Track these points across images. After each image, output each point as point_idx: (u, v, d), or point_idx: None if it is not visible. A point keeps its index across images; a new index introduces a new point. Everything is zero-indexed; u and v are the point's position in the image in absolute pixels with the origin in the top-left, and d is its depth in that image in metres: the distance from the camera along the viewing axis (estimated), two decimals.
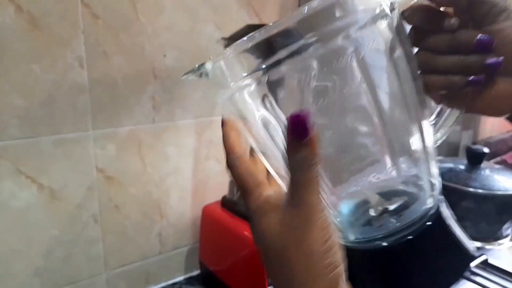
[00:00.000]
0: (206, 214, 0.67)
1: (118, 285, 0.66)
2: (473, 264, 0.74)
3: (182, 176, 0.69)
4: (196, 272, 0.74)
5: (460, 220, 0.91)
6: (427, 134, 0.31)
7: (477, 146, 0.92)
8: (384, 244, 0.29)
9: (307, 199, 0.22)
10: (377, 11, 0.27)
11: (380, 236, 0.29)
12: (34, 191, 0.55)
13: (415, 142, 0.31)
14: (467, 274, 0.71)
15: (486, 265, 0.75)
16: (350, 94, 0.29)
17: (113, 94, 0.59)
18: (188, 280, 0.72)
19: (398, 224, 0.30)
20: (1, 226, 0.53)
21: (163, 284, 0.71)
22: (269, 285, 0.56)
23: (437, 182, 0.32)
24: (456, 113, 0.32)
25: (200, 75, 0.30)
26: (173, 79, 0.65)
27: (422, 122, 0.30)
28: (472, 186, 0.82)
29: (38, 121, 0.54)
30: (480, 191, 0.81)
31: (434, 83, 0.29)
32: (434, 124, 0.34)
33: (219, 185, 0.74)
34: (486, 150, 0.89)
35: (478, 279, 0.70)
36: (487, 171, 0.87)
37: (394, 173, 0.31)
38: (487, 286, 0.67)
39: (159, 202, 0.67)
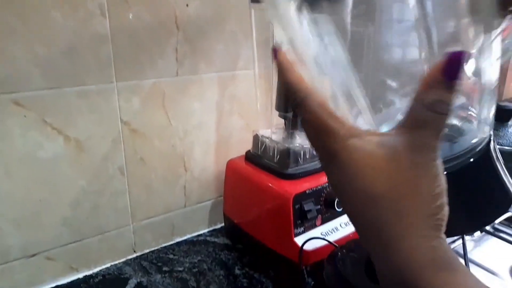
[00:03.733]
0: (230, 167, 0.67)
1: (144, 237, 0.67)
2: (497, 220, 0.73)
3: (206, 130, 0.69)
4: (219, 225, 0.75)
5: None
6: (484, 58, 0.28)
7: (506, 103, 0.90)
8: None
9: (431, 142, 0.22)
10: None
11: None
12: (61, 143, 0.55)
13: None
14: (491, 230, 0.71)
15: (511, 222, 0.75)
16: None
17: (136, 45, 0.57)
18: (212, 233, 0.73)
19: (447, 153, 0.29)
20: (29, 177, 0.54)
21: (188, 236, 0.72)
22: (295, 235, 0.56)
23: (490, 116, 0.30)
24: None
25: None
26: (195, 30, 0.62)
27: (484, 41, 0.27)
28: (499, 143, 0.80)
29: (60, 71, 0.52)
30: (507, 148, 0.79)
31: None
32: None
33: (242, 141, 0.73)
34: None
35: (502, 235, 0.70)
36: None
37: None
38: None
39: (183, 155, 0.67)
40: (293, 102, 0.25)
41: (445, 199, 0.23)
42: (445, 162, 0.27)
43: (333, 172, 0.24)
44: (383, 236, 0.22)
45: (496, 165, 0.31)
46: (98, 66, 0.55)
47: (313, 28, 0.26)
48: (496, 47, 0.28)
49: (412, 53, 0.31)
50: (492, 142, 0.31)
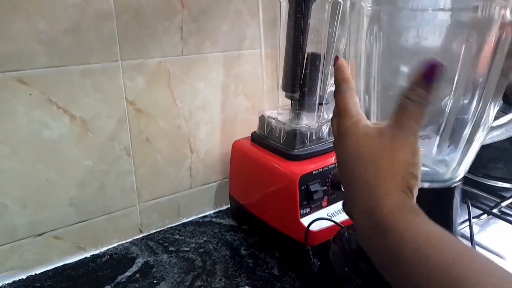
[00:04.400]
0: (236, 148, 0.67)
1: (151, 217, 0.67)
2: (504, 203, 0.73)
3: (211, 111, 0.68)
4: (225, 207, 0.75)
5: (492, 161, 0.88)
6: (485, 129, 0.36)
7: None
8: None
9: (409, 123, 0.29)
10: None
11: None
12: (66, 122, 0.54)
13: (468, 132, 0.36)
14: (498, 213, 0.71)
15: None
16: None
17: (140, 23, 0.56)
18: (218, 214, 0.73)
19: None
20: (35, 156, 0.54)
21: (194, 217, 0.72)
22: (301, 216, 0.56)
23: (463, 171, 0.37)
24: None
25: None
26: (201, 8, 0.61)
27: (488, 117, 0.35)
28: None
29: (65, 49, 0.52)
30: None
31: None
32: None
33: (247, 121, 0.72)
34: None
35: (509, 218, 0.70)
36: None
37: (435, 152, 0.38)
38: None
39: (189, 136, 0.67)
40: (337, 88, 0.34)
41: (418, 171, 0.30)
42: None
43: (341, 143, 0.33)
44: (367, 188, 0.29)
45: (454, 205, 0.38)
46: (103, 44, 0.54)
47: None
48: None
49: (426, 37, 0.35)
50: (460, 185, 0.38)
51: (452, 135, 0.36)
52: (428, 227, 0.26)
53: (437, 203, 0.37)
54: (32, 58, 0.50)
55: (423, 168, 0.37)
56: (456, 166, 0.37)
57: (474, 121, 0.35)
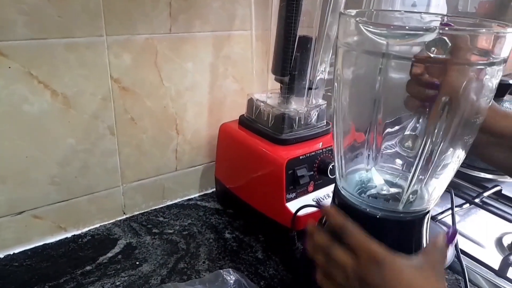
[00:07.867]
0: (224, 131, 0.66)
1: (134, 198, 0.66)
2: (486, 193, 0.74)
3: (199, 92, 0.67)
4: (210, 190, 0.74)
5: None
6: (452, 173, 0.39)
7: (502, 78, 0.89)
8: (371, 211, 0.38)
9: (439, 266, 0.35)
10: None
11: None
12: (47, 97, 0.52)
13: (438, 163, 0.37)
14: (480, 202, 0.72)
15: (499, 196, 0.76)
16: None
17: None
18: (203, 197, 0.73)
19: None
20: (15, 132, 0.52)
21: (179, 199, 0.71)
22: (287, 201, 0.56)
23: (432, 203, 0.39)
24: None
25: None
26: None
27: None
28: None
29: (47, 21, 0.50)
30: None
31: None
32: None
33: (236, 104, 0.71)
34: (511, 81, 0.85)
35: (490, 208, 0.71)
36: (507, 104, 0.85)
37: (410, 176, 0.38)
38: (500, 214, 0.68)
39: (175, 117, 0.65)
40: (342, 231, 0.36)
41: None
42: (393, 212, 0.38)
43: (381, 272, 0.34)
44: None
45: (422, 233, 0.40)
46: (88, 18, 0.52)
47: None
48: None
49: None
50: (429, 214, 0.40)
51: (425, 165, 0.37)
52: None
53: (409, 231, 0.39)
54: (12, 28, 0.47)
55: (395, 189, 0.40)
56: (428, 196, 0.39)
57: (439, 155, 0.37)
